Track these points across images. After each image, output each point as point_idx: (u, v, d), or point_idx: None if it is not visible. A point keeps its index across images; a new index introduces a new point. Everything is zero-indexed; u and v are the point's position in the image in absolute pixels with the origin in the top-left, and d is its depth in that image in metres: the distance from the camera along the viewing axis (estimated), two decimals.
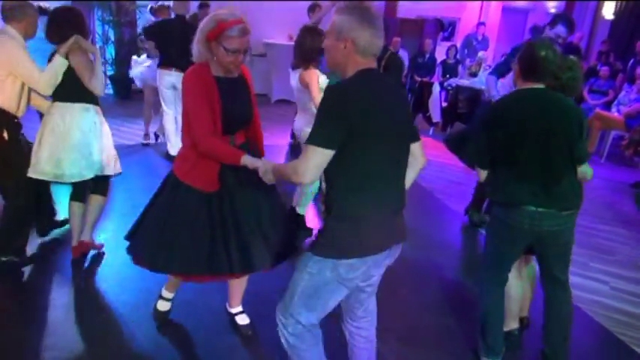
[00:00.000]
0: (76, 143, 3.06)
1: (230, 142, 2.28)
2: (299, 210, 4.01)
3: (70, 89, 3.02)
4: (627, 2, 11.58)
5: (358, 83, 1.77)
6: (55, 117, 3.05)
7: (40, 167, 3.05)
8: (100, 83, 3.04)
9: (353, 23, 1.74)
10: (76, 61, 2.97)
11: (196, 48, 2.24)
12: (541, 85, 2.34)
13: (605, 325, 3.17)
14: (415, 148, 1.99)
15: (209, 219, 2.28)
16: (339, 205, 1.81)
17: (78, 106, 3.07)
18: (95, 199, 3.38)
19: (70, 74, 2.98)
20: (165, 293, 2.78)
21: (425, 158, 2.05)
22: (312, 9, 6.02)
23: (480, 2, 11.00)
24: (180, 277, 2.55)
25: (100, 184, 3.35)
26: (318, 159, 1.72)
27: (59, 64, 2.92)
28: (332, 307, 1.95)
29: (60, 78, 2.94)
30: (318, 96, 3.50)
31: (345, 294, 1.94)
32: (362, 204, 1.79)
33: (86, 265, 3.37)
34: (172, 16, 5.68)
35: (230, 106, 2.24)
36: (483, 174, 2.48)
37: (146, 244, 2.37)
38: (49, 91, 2.97)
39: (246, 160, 2.12)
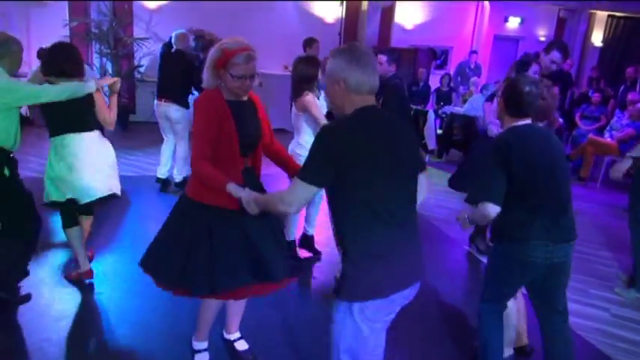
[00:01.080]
0: (100, 166, 3.29)
1: (244, 165, 2.37)
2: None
3: (85, 120, 3.22)
4: (615, 30, 11.87)
5: (352, 122, 1.82)
6: (72, 148, 3.17)
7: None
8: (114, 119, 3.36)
9: (342, 64, 1.82)
10: (100, 96, 3.23)
11: (206, 76, 2.33)
12: (528, 121, 2.39)
13: (607, 353, 3.14)
14: (420, 177, 2.02)
15: (225, 235, 2.30)
16: (349, 244, 1.82)
17: (95, 134, 3.30)
18: (86, 219, 3.56)
19: (84, 106, 3.14)
20: (197, 345, 2.66)
21: (426, 190, 2.10)
22: (308, 43, 6.12)
23: (471, 31, 11.23)
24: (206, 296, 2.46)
25: (86, 205, 3.35)
26: (304, 193, 1.83)
27: (89, 87, 3.07)
28: (374, 348, 1.92)
29: (72, 96, 3.00)
30: (320, 116, 3.59)
31: (383, 332, 1.94)
32: (371, 242, 1.79)
33: (83, 297, 3.34)
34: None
35: (244, 127, 2.32)
36: (494, 210, 2.31)
37: (165, 266, 2.37)
38: (63, 98, 2.97)
39: (231, 188, 2.14)
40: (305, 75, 3.66)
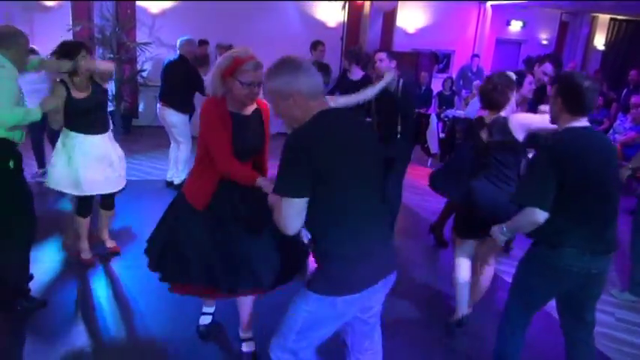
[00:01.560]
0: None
1: None
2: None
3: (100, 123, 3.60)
4: (618, 33, 11.86)
5: (316, 125, 1.81)
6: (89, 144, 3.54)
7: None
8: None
9: (288, 78, 1.81)
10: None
11: (212, 83, 2.38)
12: (587, 122, 2.26)
13: (613, 357, 3.13)
14: None
15: (210, 235, 2.44)
16: (323, 244, 1.84)
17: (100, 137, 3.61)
18: (106, 213, 3.94)
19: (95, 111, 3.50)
20: (205, 308, 3.01)
21: None
22: (313, 46, 6.15)
23: (473, 35, 11.23)
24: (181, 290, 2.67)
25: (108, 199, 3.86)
26: (293, 209, 1.76)
27: (35, 114, 3.00)
28: (327, 337, 1.99)
29: (21, 122, 2.94)
30: None
31: (341, 325, 1.99)
32: (344, 241, 1.81)
33: (87, 299, 3.35)
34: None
35: (239, 140, 2.39)
36: (542, 217, 2.19)
37: (157, 254, 2.57)
38: (14, 122, 2.88)
39: (261, 182, 2.28)
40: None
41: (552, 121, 2.36)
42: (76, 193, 3.58)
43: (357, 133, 1.90)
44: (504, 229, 2.39)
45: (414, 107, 4.06)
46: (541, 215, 2.18)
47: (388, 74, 3.90)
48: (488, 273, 3.27)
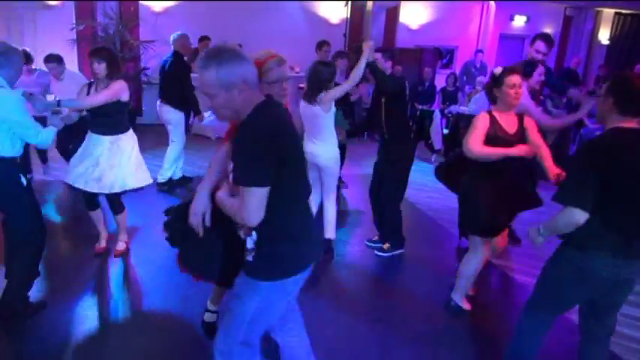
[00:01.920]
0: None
1: None
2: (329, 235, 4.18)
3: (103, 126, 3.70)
4: (622, 27, 11.78)
5: (271, 114, 1.82)
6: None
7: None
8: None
9: (233, 67, 1.73)
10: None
11: None
12: (636, 124, 2.16)
13: (618, 353, 3.11)
14: None
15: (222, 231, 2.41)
16: (273, 229, 1.85)
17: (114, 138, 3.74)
18: (118, 216, 3.95)
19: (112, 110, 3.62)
20: (210, 306, 2.98)
21: None
22: (318, 46, 6.15)
23: (477, 30, 11.20)
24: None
25: (113, 204, 3.90)
26: (256, 198, 1.73)
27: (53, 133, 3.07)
28: (274, 320, 2.09)
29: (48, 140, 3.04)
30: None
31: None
32: (292, 222, 1.90)
33: (92, 299, 3.37)
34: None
35: None
36: (583, 217, 2.10)
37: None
38: (44, 141, 2.97)
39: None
40: (323, 77, 3.77)
41: (599, 121, 2.30)
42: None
43: (291, 122, 1.96)
44: (541, 229, 2.30)
45: (397, 89, 4.00)
46: (581, 216, 2.09)
47: (365, 44, 3.85)
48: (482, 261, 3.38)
